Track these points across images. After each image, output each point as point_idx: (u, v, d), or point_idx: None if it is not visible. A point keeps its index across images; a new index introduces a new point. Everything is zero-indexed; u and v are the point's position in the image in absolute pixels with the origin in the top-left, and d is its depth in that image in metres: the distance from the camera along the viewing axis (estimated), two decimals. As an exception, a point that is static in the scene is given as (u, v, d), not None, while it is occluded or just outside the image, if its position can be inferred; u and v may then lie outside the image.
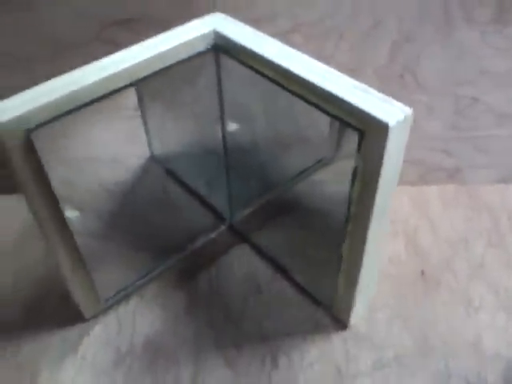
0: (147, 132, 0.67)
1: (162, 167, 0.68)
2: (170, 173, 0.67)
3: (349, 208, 0.42)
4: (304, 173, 0.66)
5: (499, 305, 0.54)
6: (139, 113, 0.65)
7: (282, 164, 0.65)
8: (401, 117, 0.35)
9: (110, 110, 0.64)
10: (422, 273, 0.56)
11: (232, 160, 0.57)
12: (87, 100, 0.40)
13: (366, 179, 0.39)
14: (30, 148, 0.38)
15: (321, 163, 0.66)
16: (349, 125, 0.38)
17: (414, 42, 0.57)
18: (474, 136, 0.63)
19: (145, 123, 0.66)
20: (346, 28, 0.56)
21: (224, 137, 0.55)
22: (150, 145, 0.68)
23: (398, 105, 0.37)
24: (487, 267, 0.57)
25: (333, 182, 0.63)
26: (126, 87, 0.42)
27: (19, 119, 0.37)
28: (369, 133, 0.37)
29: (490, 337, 0.51)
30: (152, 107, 0.64)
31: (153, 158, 0.68)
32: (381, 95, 0.37)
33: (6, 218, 0.63)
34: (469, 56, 0.58)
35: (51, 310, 0.54)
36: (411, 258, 0.58)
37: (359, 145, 0.38)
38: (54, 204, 0.43)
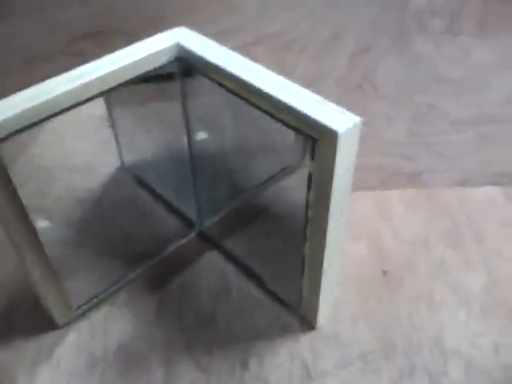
0: (117, 141, 0.68)
1: (132, 176, 0.69)
2: (140, 181, 0.69)
3: (307, 212, 0.45)
4: (271, 180, 0.68)
5: (459, 302, 0.56)
6: (109, 123, 0.66)
7: (249, 171, 0.67)
8: (350, 125, 0.38)
9: (81, 121, 0.66)
10: (384, 273, 0.59)
11: (199, 168, 0.58)
12: (56, 110, 0.42)
13: (320, 184, 0.41)
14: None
15: (286, 170, 0.68)
16: (302, 133, 0.40)
17: (371, 52, 0.60)
18: (432, 141, 0.66)
19: (115, 133, 0.67)
20: (307, 40, 0.59)
21: (190, 145, 0.57)
22: (120, 154, 0.69)
23: (348, 114, 0.39)
24: (447, 267, 0.60)
25: (298, 189, 0.65)
26: (93, 98, 0.44)
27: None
28: (321, 140, 0.39)
29: (451, 333, 0.53)
30: (121, 117, 0.66)
31: (123, 167, 0.70)
32: (332, 105, 0.40)
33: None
34: (424, 65, 0.61)
35: (25, 319, 0.55)
36: (373, 259, 0.60)
37: (312, 152, 0.40)
38: (22, 214, 0.44)
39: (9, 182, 0.42)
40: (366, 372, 0.50)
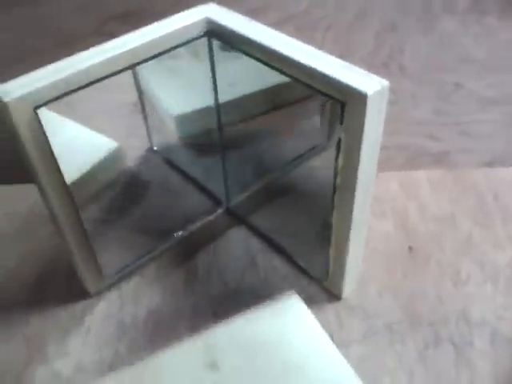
0: (147, 125, 0.70)
1: (161, 157, 0.71)
2: (169, 162, 0.70)
3: (335, 180, 0.45)
4: (298, 159, 0.69)
5: (486, 277, 0.56)
6: (139, 107, 0.68)
7: (277, 151, 0.68)
8: (378, 87, 0.38)
9: (112, 106, 0.68)
10: (410, 249, 0.59)
11: (228, 147, 0.60)
12: (89, 80, 0.44)
13: (349, 149, 0.42)
14: (36, 123, 0.42)
15: (314, 151, 0.69)
16: (331, 97, 0.41)
17: (397, 31, 0.60)
18: (459, 121, 0.66)
19: (144, 117, 0.69)
20: (333, 19, 0.60)
21: (219, 124, 0.58)
22: (149, 136, 0.71)
23: (376, 78, 0.40)
24: (474, 243, 0.60)
25: (325, 168, 0.66)
26: (123, 70, 0.46)
27: (28, 96, 0.40)
28: (349, 104, 0.40)
29: (478, 306, 0.54)
30: (151, 102, 0.67)
31: (152, 149, 0.72)
32: (360, 70, 0.40)
33: (13, 204, 0.66)
34: (450, 44, 0.61)
35: (57, 288, 0.57)
36: (400, 235, 0.61)
37: (341, 116, 0.41)
38: (60, 180, 0.46)
39: (48, 146, 0.43)
40: (391, 341, 0.51)
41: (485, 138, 0.67)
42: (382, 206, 0.63)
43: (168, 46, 0.48)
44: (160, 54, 0.48)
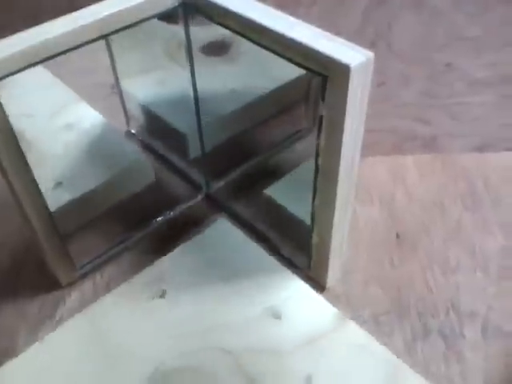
0: (124, 108, 0.67)
1: (138, 141, 0.68)
2: (147, 146, 0.67)
3: (317, 161, 0.43)
4: (282, 144, 0.66)
5: (476, 266, 0.54)
6: (116, 90, 0.65)
7: (260, 135, 0.65)
8: (362, 59, 0.36)
9: (90, 87, 0.65)
10: (397, 236, 0.57)
11: (207, 131, 0.57)
12: (55, 51, 0.41)
13: (331, 128, 0.39)
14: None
15: (298, 135, 0.66)
16: (311, 70, 0.38)
17: (386, 6, 0.57)
18: (449, 103, 0.63)
19: (121, 99, 0.66)
20: (318, -7, 0.57)
21: (197, 109, 0.55)
22: (126, 119, 0.68)
23: (360, 49, 0.37)
24: (463, 230, 0.57)
25: (310, 153, 0.63)
26: (94, 40, 0.43)
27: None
28: (331, 77, 0.37)
29: (468, 296, 0.51)
30: (129, 83, 0.64)
31: (130, 132, 0.69)
32: (343, 41, 0.38)
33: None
34: (441, 21, 0.58)
35: (28, 279, 0.54)
36: (387, 222, 0.58)
37: (323, 92, 0.38)
38: (22, 164, 0.43)
39: (7, 122, 0.40)
40: (378, 333, 0.48)
41: (475, 122, 0.64)
42: (369, 193, 0.61)
43: (141, 17, 0.45)
44: (132, 24, 0.45)
